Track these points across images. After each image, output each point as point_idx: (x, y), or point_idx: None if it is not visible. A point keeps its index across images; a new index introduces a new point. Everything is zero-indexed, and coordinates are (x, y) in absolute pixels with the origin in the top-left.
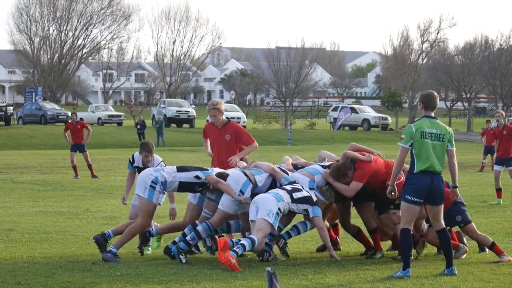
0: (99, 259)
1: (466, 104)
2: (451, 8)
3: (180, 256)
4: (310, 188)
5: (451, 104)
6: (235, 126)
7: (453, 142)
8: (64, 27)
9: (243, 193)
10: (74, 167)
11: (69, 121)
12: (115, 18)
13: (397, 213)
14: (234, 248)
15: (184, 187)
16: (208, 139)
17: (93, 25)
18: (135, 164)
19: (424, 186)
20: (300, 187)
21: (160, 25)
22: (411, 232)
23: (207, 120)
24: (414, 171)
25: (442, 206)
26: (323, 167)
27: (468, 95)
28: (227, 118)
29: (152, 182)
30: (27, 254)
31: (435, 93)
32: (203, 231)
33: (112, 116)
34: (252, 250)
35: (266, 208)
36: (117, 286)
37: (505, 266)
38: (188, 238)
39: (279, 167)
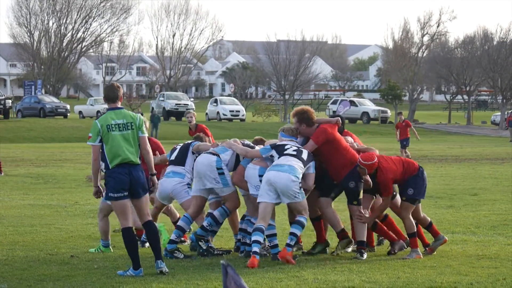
0: (78, 251)
1: (466, 97)
2: (451, 1)
3: (200, 243)
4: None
5: (451, 97)
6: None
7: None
8: (64, 20)
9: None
10: None
11: None
12: (115, 11)
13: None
14: (288, 242)
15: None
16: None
17: (92, 18)
18: None
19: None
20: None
21: (160, 18)
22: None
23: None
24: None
25: (146, 197)
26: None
27: (468, 88)
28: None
29: (218, 169)
30: (8, 247)
31: None
32: (220, 216)
33: None
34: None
35: (289, 190)
36: (92, 279)
37: (484, 260)
38: (205, 223)
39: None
